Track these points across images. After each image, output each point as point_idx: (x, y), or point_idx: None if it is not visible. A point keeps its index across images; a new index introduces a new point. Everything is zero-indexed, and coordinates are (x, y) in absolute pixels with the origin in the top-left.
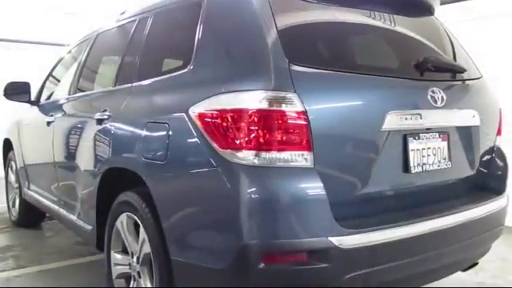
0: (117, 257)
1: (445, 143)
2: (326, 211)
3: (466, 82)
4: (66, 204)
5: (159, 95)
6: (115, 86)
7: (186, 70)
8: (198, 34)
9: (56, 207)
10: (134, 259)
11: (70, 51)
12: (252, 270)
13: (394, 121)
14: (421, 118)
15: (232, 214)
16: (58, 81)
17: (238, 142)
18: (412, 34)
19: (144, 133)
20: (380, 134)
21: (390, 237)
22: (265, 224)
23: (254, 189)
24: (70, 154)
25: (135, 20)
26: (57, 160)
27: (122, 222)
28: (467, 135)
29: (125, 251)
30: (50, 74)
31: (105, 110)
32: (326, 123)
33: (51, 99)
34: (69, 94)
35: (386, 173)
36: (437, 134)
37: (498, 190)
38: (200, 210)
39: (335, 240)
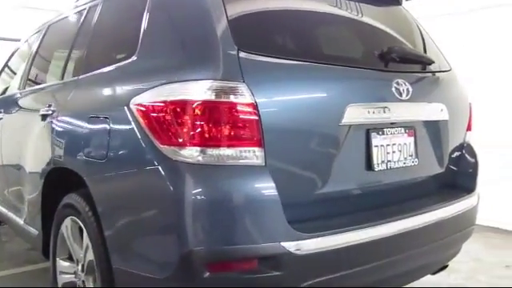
0: (62, 264)
1: (411, 139)
2: (278, 214)
3: (434, 74)
4: (14, 208)
5: (103, 88)
6: (62, 79)
7: (130, 60)
8: (145, 22)
9: (5, 211)
10: (79, 267)
11: (23, 43)
12: (197, 279)
13: (354, 114)
14: (384, 111)
15: (175, 217)
16: (11, 75)
17: (180, 137)
18: (376, 23)
19: (85, 129)
20: (340, 128)
21: (352, 240)
22: (210, 229)
23: (198, 189)
24: (17, 154)
25: (85, 8)
26: (4, 161)
27: (67, 226)
28: (435, 130)
29: (71, 258)
30: (3, 69)
31: (50, 105)
32: (278, 116)
33: (0, 95)
34: (19, 90)
35: (348, 171)
36: (402, 128)
37: (469, 189)
38: (141, 214)
39: (289, 245)
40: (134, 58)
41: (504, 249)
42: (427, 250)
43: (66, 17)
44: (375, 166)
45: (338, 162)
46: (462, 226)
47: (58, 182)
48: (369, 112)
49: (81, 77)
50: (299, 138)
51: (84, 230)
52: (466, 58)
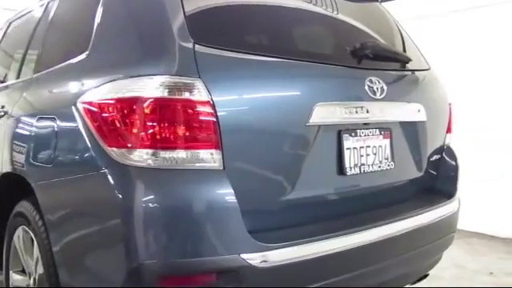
0: (15, 278)
1: (387, 141)
2: (237, 223)
3: (411, 72)
4: None
5: (52, 86)
6: (18, 78)
7: (82, 57)
8: (98, 15)
9: None
10: (31, 281)
11: None
12: None
13: (323, 114)
14: (357, 111)
15: (123, 228)
16: None
17: (129, 138)
18: (349, 18)
19: (34, 131)
20: (307, 129)
21: (321, 250)
22: (162, 240)
23: (149, 197)
24: None
25: (43, 4)
26: None
27: (19, 236)
28: (412, 132)
29: (24, 271)
30: None
31: (3, 107)
32: (238, 116)
33: None
34: None
35: (318, 175)
36: (377, 130)
37: (449, 193)
38: (89, 224)
39: (250, 257)
40: (86, 54)
41: (488, 255)
42: (405, 259)
43: (26, 13)
44: (347, 170)
45: (306, 165)
46: (442, 233)
47: (11, 189)
48: (340, 112)
49: (34, 76)
50: (262, 139)
51: (34, 240)
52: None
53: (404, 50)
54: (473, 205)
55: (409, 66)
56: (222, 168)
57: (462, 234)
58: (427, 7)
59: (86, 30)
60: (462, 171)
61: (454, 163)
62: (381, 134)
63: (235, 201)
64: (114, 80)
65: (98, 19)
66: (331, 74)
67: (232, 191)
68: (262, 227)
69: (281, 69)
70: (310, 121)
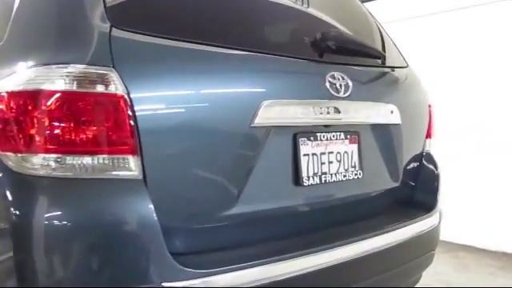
0: None
1: (354, 146)
2: (157, 244)
3: (384, 69)
4: None
5: None
6: None
7: None
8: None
9: None
10: None
11: None
12: None
13: (273, 113)
14: (315, 111)
15: (18, 254)
16: None
17: (27, 140)
18: (310, 4)
19: None
20: (252, 131)
21: (268, 276)
22: (66, 266)
23: (50, 213)
24: None
25: None
26: None
27: None
28: (385, 136)
29: None
30: None
31: None
32: (163, 115)
33: None
34: None
35: (268, 186)
36: (342, 133)
37: (428, 206)
38: None
39: (172, 286)
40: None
41: (477, 271)
42: (375, 283)
43: None
44: (304, 179)
45: (254, 174)
46: (419, 252)
47: None
48: (294, 112)
49: None
50: (194, 143)
51: None
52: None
53: (377, 45)
54: (461, 215)
55: (382, 62)
56: (141, 177)
57: (449, 247)
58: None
59: (4, 19)
60: (449, 179)
61: (434, 172)
62: (347, 138)
63: (154, 217)
64: (21, 70)
65: (16, 3)
66: (284, 68)
67: (151, 205)
68: (195, 248)
69: (220, 60)
70: (256, 121)
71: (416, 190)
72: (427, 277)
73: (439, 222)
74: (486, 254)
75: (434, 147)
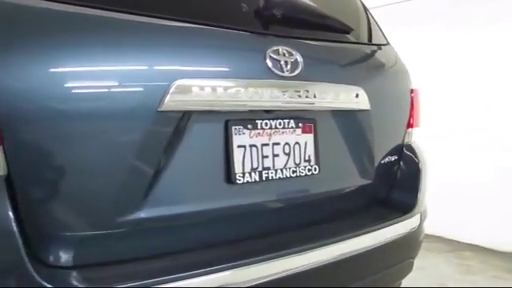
0: None
1: (308, 136)
2: (17, 256)
3: (349, 45)
4: None
5: None
6: None
7: None
8: None
9: None
10: None
11: None
12: None
13: (190, 95)
14: (250, 94)
15: None
16: None
17: None
18: None
19: None
20: (160, 116)
21: None
22: None
23: None
24: None
25: None
26: None
27: None
28: (350, 125)
29: None
30: None
31: None
32: (37, 94)
33: None
34: None
35: (189, 185)
36: (291, 121)
37: (406, 206)
38: None
39: None
40: None
41: (482, 273)
42: None
43: None
44: (238, 176)
45: (168, 171)
46: (393, 260)
47: None
48: (222, 93)
49: None
50: (81, 132)
51: None
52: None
53: (345, 18)
54: (467, 212)
55: (349, 37)
56: (4, 173)
57: (455, 245)
58: None
59: None
60: (456, 173)
61: (415, 167)
62: (298, 126)
63: (12, 223)
64: None
65: None
66: (209, 41)
67: (8, 209)
68: (86, 261)
69: (111, 25)
70: (164, 105)
71: (394, 187)
72: (425, 279)
73: (420, 225)
74: (494, 255)
75: (419, 138)
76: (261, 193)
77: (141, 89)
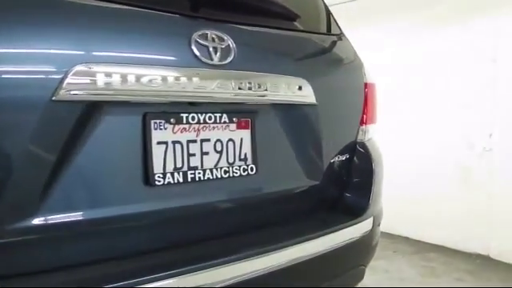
0: None
1: (244, 133)
2: None
3: (294, 33)
4: None
5: None
6: None
7: None
8: None
9: None
10: None
11: None
12: None
13: (96, 83)
14: (169, 83)
15: None
16: None
17: None
18: None
19: None
20: (56, 107)
21: None
22: None
23: None
24: None
25: None
26: None
27: None
28: (294, 120)
29: None
30: None
31: None
32: None
33: None
34: None
35: (98, 187)
36: (224, 115)
37: (357, 210)
38: None
39: None
40: None
41: (444, 275)
42: None
43: None
44: (156, 177)
45: (70, 170)
46: (342, 268)
47: None
48: (135, 81)
49: None
50: None
51: None
52: None
53: (289, 2)
54: (435, 213)
55: (295, 24)
56: None
57: (420, 247)
58: None
59: None
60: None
61: (368, 167)
62: (232, 121)
63: None
64: None
65: None
66: (119, 21)
67: None
68: None
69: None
70: (60, 94)
71: (345, 189)
72: (387, 281)
73: (373, 230)
74: (458, 256)
75: (376, 135)
76: (186, 196)
77: (33, 75)
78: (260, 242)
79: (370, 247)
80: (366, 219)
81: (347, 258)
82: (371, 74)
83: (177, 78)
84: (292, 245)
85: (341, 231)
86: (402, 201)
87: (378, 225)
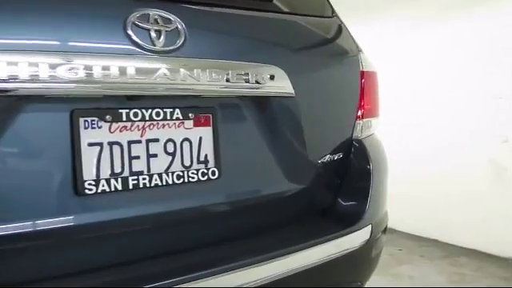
0: None
1: (204, 130)
2: None
3: (266, 14)
4: None
5: None
6: None
7: None
8: None
9: None
10: None
11: None
12: None
13: (9, 72)
14: (100, 74)
15: None
16: None
17: None
18: None
19: None
20: None
21: None
22: None
23: None
24: None
25: None
26: None
27: None
28: (268, 115)
29: None
30: None
31: None
32: None
33: None
34: None
35: (14, 197)
36: (176, 110)
37: (352, 217)
38: None
39: None
40: None
41: (475, 282)
42: None
43: None
44: (87, 185)
45: None
46: (330, 286)
47: None
48: (49, 71)
49: None
50: None
51: None
52: None
53: None
54: (466, 213)
55: (269, 4)
56: None
57: (451, 250)
58: None
59: None
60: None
61: (364, 167)
62: (188, 117)
63: None
64: None
65: None
66: (39, 1)
67: None
68: None
69: None
70: None
71: (338, 193)
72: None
73: (371, 240)
74: (492, 261)
75: (378, 131)
76: (127, 207)
77: None
78: (220, 259)
79: (368, 260)
80: (361, 228)
81: (337, 273)
82: (371, 61)
83: (107, 68)
84: (259, 262)
85: (328, 243)
86: (430, 200)
87: (382, 233)
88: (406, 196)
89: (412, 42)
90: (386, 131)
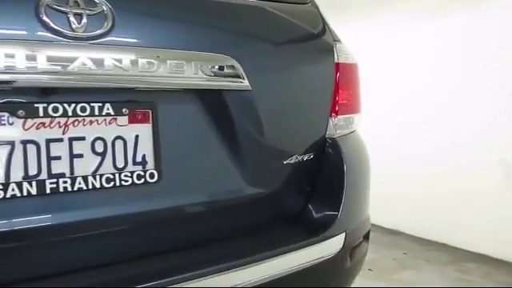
0: None
1: (142, 128)
2: None
3: None
4: None
5: None
6: None
7: None
8: None
9: None
10: None
11: None
12: None
13: None
14: (6, 62)
15: None
16: None
17: None
18: None
19: None
20: None
21: None
22: None
23: None
24: None
25: None
26: None
27: None
28: (221, 111)
29: None
30: None
31: None
32: None
33: None
34: None
35: None
36: (106, 105)
37: (320, 224)
38: None
39: None
40: None
41: None
42: None
43: None
44: None
45: None
46: None
47: None
48: None
49: None
50: None
51: None
52: None
53: None
54: (475, 216)
55: None
56: None
57: (459, 255)
58: None
59: None
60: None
61: (337, 169)
62: (122, 113)
63: None
64: None
65: None
66: None
67: None
68: None
69: None
70: None
71: (307, 198)
72: None
73: (344, 249)
74: (500, 267)
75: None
76: (42, 213)
77: None
78: (151, 276)
79: (341, 272)
80: (332, 236)
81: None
82: (350, 52)
83: (12, 56)
84: (198, 277)
85: (288, 255)
86: (437, 202)
87: (363, 240)
88: (411, 197)
89: (416, 36)
90: (388, 130)
